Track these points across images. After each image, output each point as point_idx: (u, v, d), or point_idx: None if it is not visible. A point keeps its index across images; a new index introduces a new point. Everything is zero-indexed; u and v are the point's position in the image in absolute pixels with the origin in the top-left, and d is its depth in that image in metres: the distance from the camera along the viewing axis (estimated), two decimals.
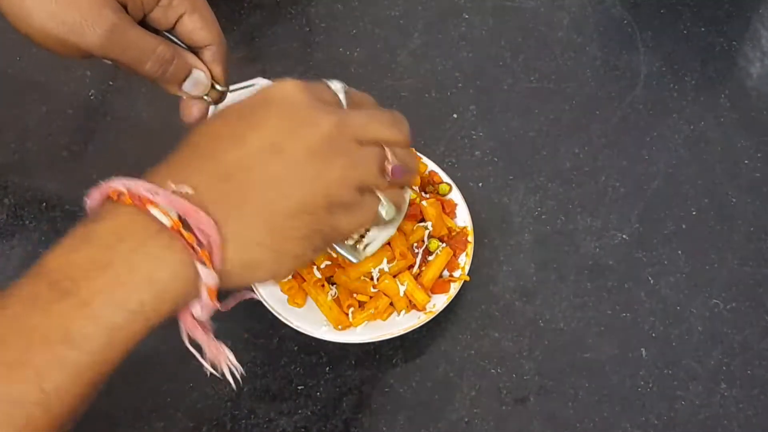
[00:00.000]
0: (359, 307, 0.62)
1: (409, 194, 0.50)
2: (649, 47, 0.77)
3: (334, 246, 0.50)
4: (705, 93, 0.75)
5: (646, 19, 0.79)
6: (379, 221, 0.46)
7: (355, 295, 0.62)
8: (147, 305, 0.39)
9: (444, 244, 0.63)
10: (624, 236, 0.68)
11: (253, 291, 0.59)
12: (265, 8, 0.79)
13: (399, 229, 0.63)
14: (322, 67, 0.75)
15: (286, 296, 0.62)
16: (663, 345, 0.64)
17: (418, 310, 0.62)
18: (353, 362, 0.63)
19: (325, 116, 0.43)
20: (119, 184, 0.41)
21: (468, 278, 0.63)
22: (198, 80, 0.52)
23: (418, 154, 0.67)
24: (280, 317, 0.61)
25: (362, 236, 0.51)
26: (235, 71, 0.77)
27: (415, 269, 0.63)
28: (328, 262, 0.62)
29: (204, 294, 0.40)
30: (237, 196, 0.41)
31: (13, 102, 0.73)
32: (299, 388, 0.62)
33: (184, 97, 0.53)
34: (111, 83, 0.74)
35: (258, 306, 0.62)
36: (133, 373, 0.60)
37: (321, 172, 0.42)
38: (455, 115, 0.73)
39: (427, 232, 0.63)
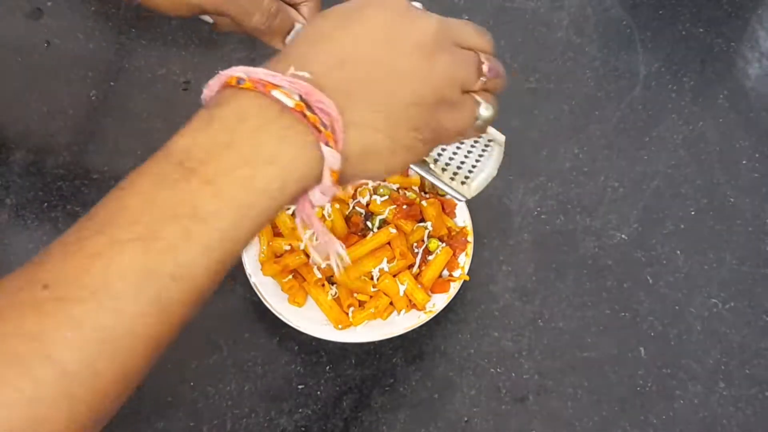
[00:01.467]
0: (359, 306, 0.62)
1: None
2: (648, 48, 0.78)
3: (443, 187, 0.51)
4: (704, 93, 0.75)
5: (645, 20, 0.79)
6: (477, 125, 0.48)
7: (355, 294, 0.62)
8: (272, 184, 0.39)
9: (444, 244, 0.64)
10: (623, 236, 0.69)
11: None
12: None
13: (399, 229, 0.63)
14: None
15: (286, 296, 0.63)
16: (662, 344, 0.64)
17: (418, 309, 0.62)
18: (353, 362, 0.63)
19: (429, 17, 0.45)
20: (239, 71, 0.41)
21: (468, 278, 0.63)
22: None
23: None
24: (280, 317, 0.61)
25: (467, 177, 0.52)
26: None
27: (415, 269, 0.63)
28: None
29: (326, 176, 0.40)
30: (353, 82, 0.42)
31: (14, 102, 0.73)
32: (300, 387, 0.62)
33: None
34: (112, 84, 0.74)
35: (258, 306, 0.63)
36: None
37: (430, 67, 0.43)
38: None
39: (427, 232, 0.63)
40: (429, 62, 0.43)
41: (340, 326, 0.61)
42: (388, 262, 0.62)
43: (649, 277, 0.67)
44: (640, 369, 0.63)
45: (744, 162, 0.72)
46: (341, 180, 0.42)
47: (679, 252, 0.68)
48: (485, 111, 0.47)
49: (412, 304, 0.62)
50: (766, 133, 0.74)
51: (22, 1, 0.78)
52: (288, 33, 0.53)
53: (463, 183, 0.52)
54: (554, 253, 0.68)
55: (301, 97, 0.40)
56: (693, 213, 0.70)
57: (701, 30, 0.79)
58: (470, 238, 0.65)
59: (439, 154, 0.52)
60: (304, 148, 0.39)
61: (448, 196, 0.52)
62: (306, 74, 0.41)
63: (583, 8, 0.80)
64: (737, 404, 0.62)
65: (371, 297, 0.62)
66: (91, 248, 0.37)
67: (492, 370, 0.63)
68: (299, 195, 0.41)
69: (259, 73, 0.40)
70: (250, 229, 0.39)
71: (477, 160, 0.53)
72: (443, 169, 0.52)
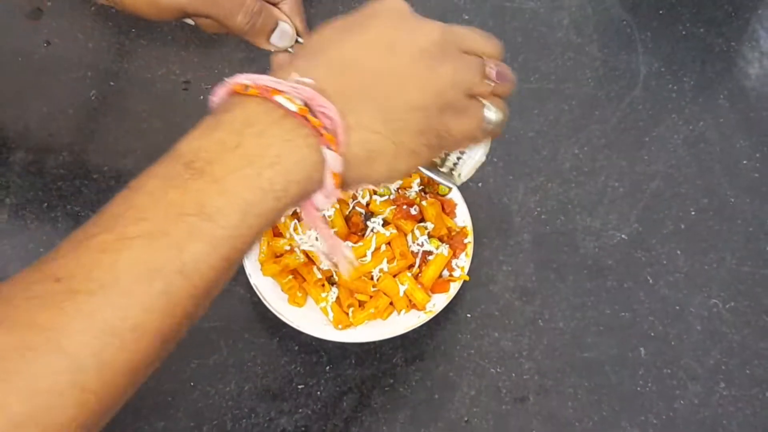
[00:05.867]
0: (359, 306, 0.62)
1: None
2: (648, 48, 0.78)
3: (430, 174, 0.51)
4: (704, 93, 0.75)
5: (645, 19, 0.79)
6: (485, 129, 0.47)
7: (355, 294, 0.62)
8: (276, 184, 0.40)
9: (444, 244, 0.64)
10: (623, 236, 0.69)
11: None
12: None
13: (399, 229, 0.63)
14: None
15: (286, 296, 0.63)
16: (662, 344, 0.64)
17: (418, 309, 0.62)
18: (353, 361, 0.63)
19: (432, 24, 0.46)
20: (244, 78, 0.42)
21: (468, 278, 0.63)
22: (284, 31, 0.54)
23: None
24: (280, 317, 0.61)
25: (455, 163, 0.51)
26: (236, 71, 0.77)
27: (415, 269, 0.63)
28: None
29: (328, 180, 0.41)
30: (355, 87, 0.43)
31: (14, 102, 0.73)
32: (300, 387, 0.62)
33: (272, 50, 0.55)
34: (112, 83, 0.74)
35: (258, 306, 0.63)
36: None
37: (433, 73, 0.44)
38: None
39: (427, 232, 0.63)
40: (432, 67, 0.44)
41: (340, 326, 0.61)
42: (387, 262, 0.62)
43: (649, 277, 0.67)
44: (640, 369, 0.63)
45: (744, 162, 0.72)
46: (345, 184, 0.43)
47: (679, 252, 0.68)
48: (492, 114, 0.47)
49: (412, 304, 0.62)
50: (767, 133, 0.74)
51: (22, 1, 0.78)
52: (272, 32, 0.54)
53: (451, 171, 0.51)
54: (554, 253, 0.68)
55: (304, 102, 0.40)
56: (693, 213, 0.70)
57: (701, 30, 0.79)
58: (470, 238, 0.65)
59: None
60: (307, 151, 0.40)
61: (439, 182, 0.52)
62: (309, 80, 0.41)
63: (583, 8, 0.80)
64: (737, 404, 0.62)
65: (371, 297, 0.62)
66: (100, 244, 0.37)
67: (492, 370, 0.63)
68: (303, 197, 0.42)
69: (264, 79, 0.41)
70: (255, 228, 0.40)
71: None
72: None
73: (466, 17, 0.79)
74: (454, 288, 0.63)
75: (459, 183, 0.52)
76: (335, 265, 0.46)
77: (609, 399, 0.62)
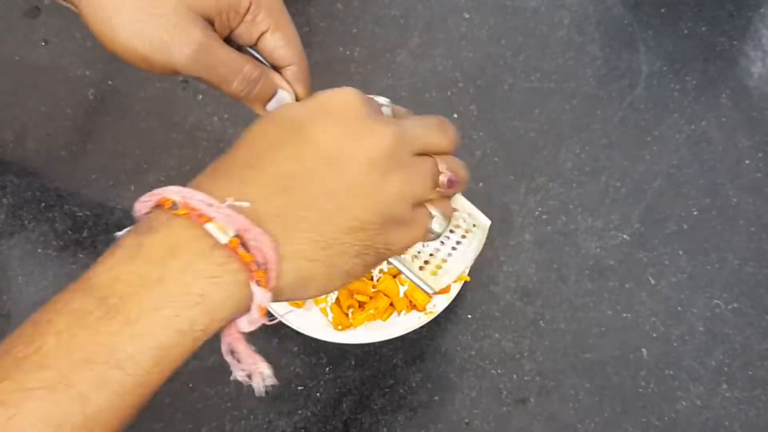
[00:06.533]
0: (359, 307, 0.62)
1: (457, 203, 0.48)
2: (650, 47, 0.77)
3: (411, 277, 0.48)
4: (706, 93, 0.75)
5: (647, 18, 0.79)
6: (428, 238, 0.45)
7: (355, 295, 0.62)
8: (197, 324, 0.37)
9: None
10: (625, 236, 0.68)
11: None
12: None
13: None
14: (322, 67, 0.75)
15: None
16: (664, 345, 0.64)
17: (419, 310, 0.62)
18: (353, 363, 0.63)
19: (385, 128, 0.42)
20: (173, 194, 0.39)
21: (468, 279, 0.63)
22: (283, 100, 0.50)
23: None
24: (279, 318, 0.61)
25: (439, 267, 0.48)
26: None
27: None
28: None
29: (255, 312, 0.39)
30: (294, 210, 0.40)
31: (12, 102, 0.73)
32: (299, 388, 0.62)
33: None
34: (110, 83, 0.74)
35: None
36: None
37: (379, 188, 0.41)
38: (455, 115, 0.73)
39: None
40: (378, 182, 0.41)
41: (339, 327, 0.61)
42: (388, 262, 0.61)
43: (651, 278, 0.66)
44: (642, 370, 0.63)
45: (747, 162, 0.72)
46: (276, 302, 0.40)
47: (681, 252, 0.68)
48: (438, 226, 0.44)
49: (412, 305, 0.62)
50: None
51: (20, 0, 0.78)
52: (270, 99, 0.50)
53: (434, 274, 0.48)
54: (556, 253, 0.67)
55: (237, 232, 0.38)
56: (695, 213, 0.69)
57: (704, 28, 0.78)
58: None
59: None
60: (235, 288, 0.38)
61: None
62: (245, 204, 0.39)
63: (584, 7, 0.79)
64: (740, 406, 0.62)
65: (371, 298, 0.62)
66: None
67: (493, 371, 0.63)
68: (224, 327, 0.40)
69: (196, 200, 0.38)
70: (167, 372, 0.38)
71: (453, 248, 0.49)
72: (414, 257, 0.48)
73: (467, 16, 0.79)
74: (455, 289, 0.62)
75: (438, 289, 0.48)
76: (248, 378, 0.44)
77: (610, 400, 0.62)
